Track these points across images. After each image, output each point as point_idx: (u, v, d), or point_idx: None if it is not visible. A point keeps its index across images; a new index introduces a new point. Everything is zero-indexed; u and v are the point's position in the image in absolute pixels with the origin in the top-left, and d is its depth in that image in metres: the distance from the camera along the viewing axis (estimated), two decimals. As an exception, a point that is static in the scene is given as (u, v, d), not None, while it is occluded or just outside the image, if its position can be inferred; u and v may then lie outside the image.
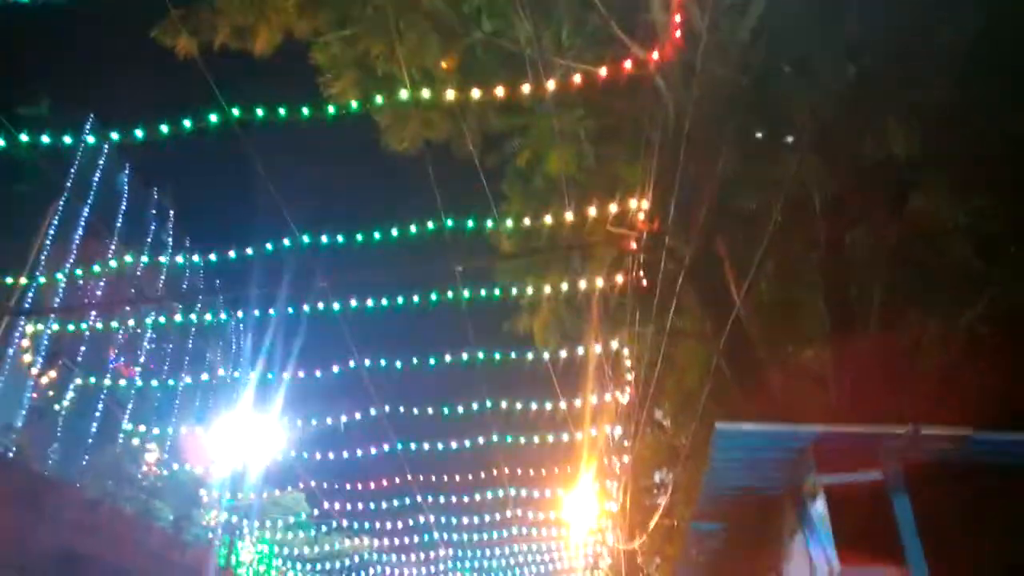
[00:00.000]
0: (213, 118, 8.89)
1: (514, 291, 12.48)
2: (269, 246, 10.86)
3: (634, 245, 10.29)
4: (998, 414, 5.57)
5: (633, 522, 14.53)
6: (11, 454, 15.95)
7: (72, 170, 20.65)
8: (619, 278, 11.62)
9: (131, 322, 20.11)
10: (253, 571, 24.72)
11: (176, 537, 21.06)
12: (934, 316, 8.33)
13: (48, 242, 19.98)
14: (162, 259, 20.36)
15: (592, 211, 10.59)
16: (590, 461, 16.67)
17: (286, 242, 10.62)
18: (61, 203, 20.77)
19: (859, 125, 8.51)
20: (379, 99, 9.54)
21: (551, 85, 9.12)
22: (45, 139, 9.48)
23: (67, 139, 9.78)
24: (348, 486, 22.05)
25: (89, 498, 16.14)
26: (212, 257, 11.85)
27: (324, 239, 10.45)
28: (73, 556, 13.41)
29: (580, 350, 13.81)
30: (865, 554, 5.13)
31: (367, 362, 14.38)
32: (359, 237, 10.63)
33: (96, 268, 15.87)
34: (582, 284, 11.91)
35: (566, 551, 23.92)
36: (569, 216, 10.75)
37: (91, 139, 10.80)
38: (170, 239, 25.87)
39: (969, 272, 7.81)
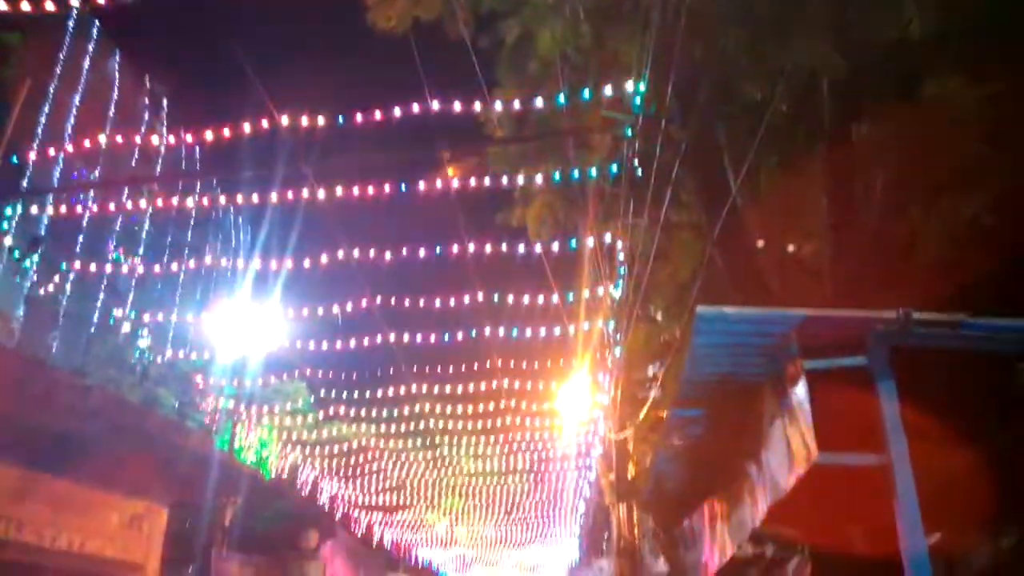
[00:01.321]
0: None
1: (505, 180, 12.15)
2: (247, 127, 10.49)
3: (629, 131, 9.88)
4: (995, 304, 5.37)
5: (624, 414, 14.70)
6: (8, 341, 16.07)
7: (61, 54, 20.08)
8: (614, 167, 11.27)
9: (112, 206, 19.87)
10: (256, 454, 25.45)
11: (179, 423, 21.49)
12: (937, 207, 8.01)
13: (39, 130, 19.52)
14: (139, 139, 19.89)
15: (587, 94, 10.13)
16: (583, 355, 16.75)
17: (264, 124, 10.25)
18: (52, 89, 20.17)
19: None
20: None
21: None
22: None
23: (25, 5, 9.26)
24: (344, 375, 22.49)
25: (86, 384, 16.32)
26: (189, 137, 11.50)
27: (305, 121, 10.08)
28: (70, 440, 13.56)
29: (574, 243, 13.60)
30: (844, 440, 5.04)
31: (356, 252, 14.22)
32: (340, 120, 10.24)
33: (70, 148, 15.52)
34: (575, 173, 11.56)
35: (559, 441, 24.56)
36: (562, 98, 10.29)
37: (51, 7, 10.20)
38: (164, 128, 25.35)
39: (976, 160, 7.44)
